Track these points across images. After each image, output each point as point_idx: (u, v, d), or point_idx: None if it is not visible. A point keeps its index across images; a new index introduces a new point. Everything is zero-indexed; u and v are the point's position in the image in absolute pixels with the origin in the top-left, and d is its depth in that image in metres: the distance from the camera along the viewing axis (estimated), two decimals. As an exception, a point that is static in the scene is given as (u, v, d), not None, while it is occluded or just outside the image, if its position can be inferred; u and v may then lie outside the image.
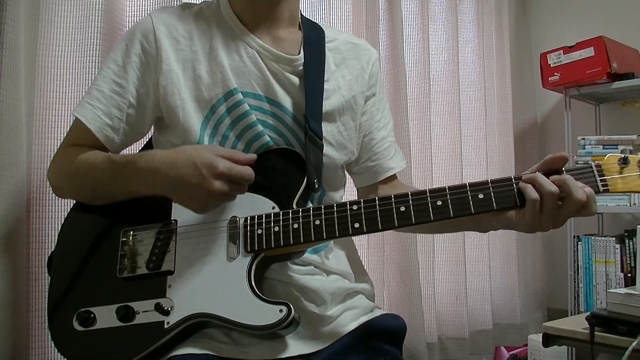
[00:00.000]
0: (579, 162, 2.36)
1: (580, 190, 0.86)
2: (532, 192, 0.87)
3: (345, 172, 1.19)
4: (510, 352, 2.60)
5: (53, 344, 0.99)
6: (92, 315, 0.96)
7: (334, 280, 1.07)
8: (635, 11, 2.60)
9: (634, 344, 1.41)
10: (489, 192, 0.90)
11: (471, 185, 0.91)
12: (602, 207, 2.37)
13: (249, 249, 0.94)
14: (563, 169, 0.90)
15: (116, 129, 1.04)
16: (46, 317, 1.02)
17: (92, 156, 1.02)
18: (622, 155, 0.90)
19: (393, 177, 1.20)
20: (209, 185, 0.89)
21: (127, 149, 1.12)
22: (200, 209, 0.94)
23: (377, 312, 1.11)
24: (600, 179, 0.89)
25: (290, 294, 1.00)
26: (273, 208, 0.96)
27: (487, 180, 0.91)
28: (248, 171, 0.92)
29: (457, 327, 2.33)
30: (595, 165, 0.90)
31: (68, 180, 1.06)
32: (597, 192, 0.89)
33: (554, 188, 0.87)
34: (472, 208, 0.90)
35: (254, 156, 0.95)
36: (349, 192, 1.22)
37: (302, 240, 0.93)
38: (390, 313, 1.14)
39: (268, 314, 0.89)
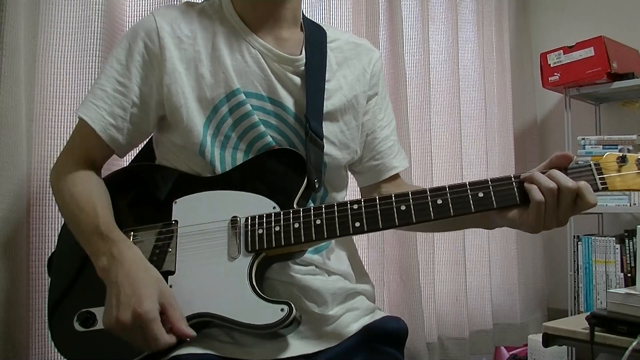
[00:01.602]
0: (579, 162, 2.35)
1: (571, 180, 0.87)
2: (536, 194, 0.88)
3: (348, 172, 1.19)
4: (510, 352, 2.60)
5: (53, 344, 0.99)
6: (92, 315, 0.96)
7: (335, 280, 1.07)
8: (635, 11, 2.60)
9: (634, 344, 1.41)
10: (489, 191, 0.90)
11: (471, 184, 0.91)
12: (602, 207, 2.37)
13: (249, 249, 0.94)
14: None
15: (120, 128, 1.04)
16: (46, 317, 1.02)
17: (84, 200, 0.99)
18: (621, 154, 0.90)
19: (396, 176, 1.20)
20: (122, 310, 0.86)
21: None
22: (106, 323, 0.89)
23: (378, 314, 1.11)
24: (599, 177, 0.90)
25: (292, 294, 1.00)
26: (274, 208, 0.96)
27: (487, 179, 0.91)
28: (162, 339, 0.86)
29: (457, 327, 2.34)
30: (594, 164, 0.91)
31: (59, 204, 1.05)
32: (597, 190, 0.89)
33: (552, 184, 0.87)
34: (472, 207, 0.90)
35: (192, 335, 0.90)
36: (351, 194, 1.22)
37: (303, 240, 0.93)
38: (392, 315, 1.14)
39: (269, 313, 0.89)
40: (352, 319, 1.06)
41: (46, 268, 1.11)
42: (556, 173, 0.88)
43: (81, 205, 0.98)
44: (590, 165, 0.91)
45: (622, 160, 0.90)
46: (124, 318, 0.86)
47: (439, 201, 0.91)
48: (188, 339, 0.90)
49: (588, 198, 0.87)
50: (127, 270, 0.90)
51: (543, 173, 0.90)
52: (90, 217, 0.97)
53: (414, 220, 0.91)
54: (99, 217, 0.96)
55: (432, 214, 0.91)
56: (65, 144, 1.09)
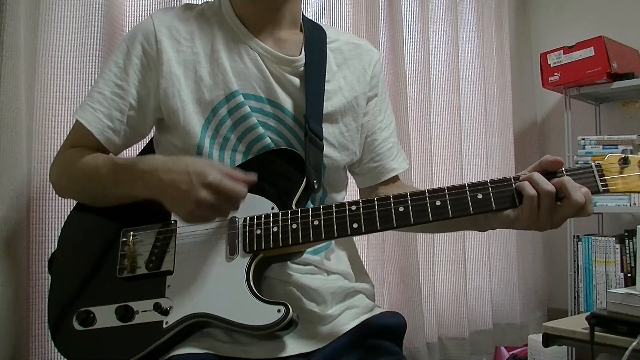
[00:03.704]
0: (579, 162, 2.36)
1: (579, 192, 0.86)
2: (529, 189, 0.88)
3: (348, 173, 1.19)
4: (510, 352, 2.60)
5: (53, 344, 0.99)
6: (91, 315, 0.96)
7: (334, 279, 1.07)
8: (635, 11, 2.60)
9: (634, 344, 1.41)
10: (488, 193, 0.90)
11: (470, 185, 0.91)
12: (602, 207, 2.37)
13: (247, 249, 0.94)
14: (563, 169, 0.90)
15: (117, 131, 1.04)
16: (46, 317, 1.02)
17: (93, 159, 1.02)
18: (623, 155, 0.90)
19: (395, 178, 1.20)
20: (195, 193, 0.88)
21: (126, 150, 1.12)
22: (187, 217, 0.92)
23: (377, 311, 1.11)
24: (600, 179, 0.89)
25: (291, 293, 1.00)
26: (272, 208, 0.96)
27: (486, 181, 0.91)
28: (239, 187, 0.90)
29: (457, 327, 2.34)
30: (596, 165, 0.90)
31: (69, 182, 1.06)
32: (597, 192, 0.89)
33: (550, 187, 0.87)
34: (470, 208, 0.90)
35: (253, 178, 0.94)
36: (351, 194, 1.22)
37: (300, 241, 0.93)
38: (390, 310, 1.13)
39: (266, 314, 0.89)
40: (350, 317, 1.06)
41: (46, 268, 1.11)
42: (567, 182, 0.87)
43: (92, 164, 1.01)
44: (591, 166, 0.90)
45: (624, 161, 0.89)
46: (202, 196, 0.88)
47: (438, 203, 0.90)
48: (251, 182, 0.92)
49: (588, 209, 0.87)
50: (168, 168, 0.92)
51: (546, 175, 0.89)
52: (106, 166, 1.00)
53: (412, 222, 0.91)
54: (112, 159, 1.01)
55: (430, 215, 0.90)
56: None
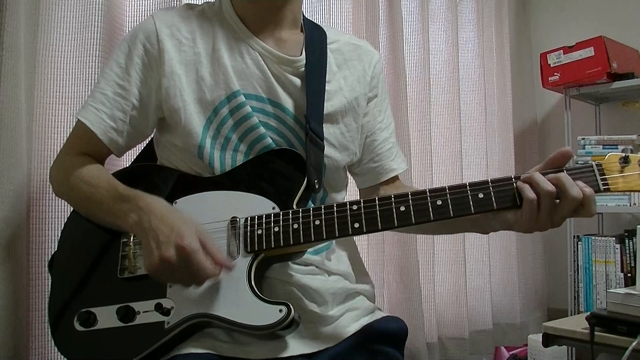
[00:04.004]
0: (579, 162, 2.36)
1: (576, 188, 0.85)
2: (529, 192, 0.87)
3: (348, 173, 1.19)
4: (510, 352, 2.60)
5: (53, 344, 0.99)
6: (92, 315, 0.96)
7: (335, 280, 1.07)
8: (635, 11, 2.60)
9: (634, 344, 1.41)
10: (489, 192, 0.90)
11: (471, 185, 0.91)
12: (602, 207, 2.37)
13: (249, 249, 0.94)
14: (564, 168, 0.90)
15: (120, 131, 1.04)
16: (46, 317, 1.02)
17: (95, 178, 1.01)
18: (623, 154, 0.89)
19: (395, 178, 1.20)
20: (165, 249, 0.86)
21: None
22: (148, 268, 0.89)
23: (378, 314, 1.11)
24: (601, 178, 0.88)
25: (292, 294, 1.00)
26: (273, 208, 0.96)
27: (487, 180, 0.91)
28: (209, 267, 0.87)
29: (457, 327, 2.34)
30: (596, 164, 0.90)
31: (67, 191, 1.05)
32: (598, 191, 0.88)
33: (550, 187, 0.86)
34: (472, 208, 0.90)
35: (232, 265, 0.92)
36: (351, 194, 1.22)
37: (302, 241, 0.93)
38: (392, 315, 1.14)
39: (268, 314, 0.89)
40: (351, 319, 1.06)
41: (46, 268, 1.11)
42: (564, 179, 0.86)
43: (94, 182, 1.00)
44: (592, 166, 0.89)
45: (625, 160, 0.89)
46: (168, 254, 0.86)
47: (439, 202, 0.90)
48: (230, 269, 0.91)
49: (591, 209, 0.86)
50: (159, 215, 0.91)
51: (545, 174, 0.88)
52: (105, 189, 0.98)
53: (413, 221, 0.90)
54: (115, 185, 0.98)
55: (431, 215, 0.90)
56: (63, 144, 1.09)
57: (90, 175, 1.02)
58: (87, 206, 1.02)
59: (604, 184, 0.88)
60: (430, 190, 0.91)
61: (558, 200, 0.87)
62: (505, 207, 0.90)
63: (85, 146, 1.06)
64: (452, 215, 0.90)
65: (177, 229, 0.88)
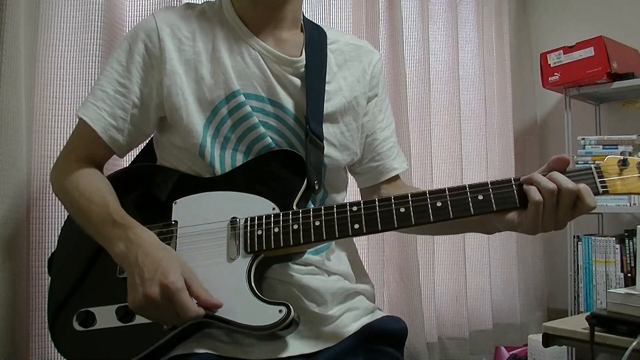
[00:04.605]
0: (579, 162, 2.36)
1: (571, 182, 0.87)
2: (535, 194, 0.88)
3: (348, 173, 1.19)
4: (510, 352, 2.60)
5: (53, 344, 0.99)
6: (91, 315, 0.96)
7: (335, 280, 1.07)
8: (635, 11, 2.60)
9: (634, 344, 1.41)
10: (489, 194, 0.90)
11: (471, 186, 0.91)
12: (602, 207, 2.37)
13: (249, 250, 0.94)
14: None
15: (121, 129, 1.04)
16: (46, 317, 1.02)
17: (90, 191, 0.99)
18: (622, 157, 0.90)
19: (396, 178, 1.20)
20: (148, 286, 0.86)
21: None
22: (131, 304, 0.89)
23: (378, 314, 1.11)
24: (600, 181, 0.89)
25: (291, 294, 1.00)
26: (273, 209, 0.96)
27: (487, 182, 0.91)
28: (192, 308, 0.87)
29: (457, 327, 2.34)
30: (595, 167, 0.90)
31: (63, 197, 1.05)
32: (597, 194, 0.88)
33: (551, 184, 0.87)
34: (471, 209, 0.90)
35: (220, 304, 0.91)
36: (351, 195, 1.22)
37: (302, 241, 0.93)
38: (391, 315, 1.14)
39: (267, 315, 0.89)
40: (351, 319, 1.06)
41: (46, 268, 1.11)
42: (557, 175, 0.88)
43: (90, 197, 0.99)
44: (590, 168, 0.90)
45: (623, 163, 0.89)
46: (152, 292, 0.86)
47: (439, 203, 0.90)
48: (215, 309, 0.90)
49: (588, 201, 0.86)
50: (146, 250, 0.90)
51: (543, 175, 0.89)
52: (101, 207, 0.97)
53: (413, 223, 0.91)
54: (109, 206, 0.97)
55: (431, 216, 0.90)
56: (65, 144, 1.09)
57: (86, 186, 1.00)
58: (79, 217, 1.01)
59: (602, 187, 0.89)
60: (430, 192, 0.92)
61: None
62: (505, 208, 0.91)
63: (86, 147, 1.05)
64: (451, 216, 0.90)
65: (163, 267, 0.87)
